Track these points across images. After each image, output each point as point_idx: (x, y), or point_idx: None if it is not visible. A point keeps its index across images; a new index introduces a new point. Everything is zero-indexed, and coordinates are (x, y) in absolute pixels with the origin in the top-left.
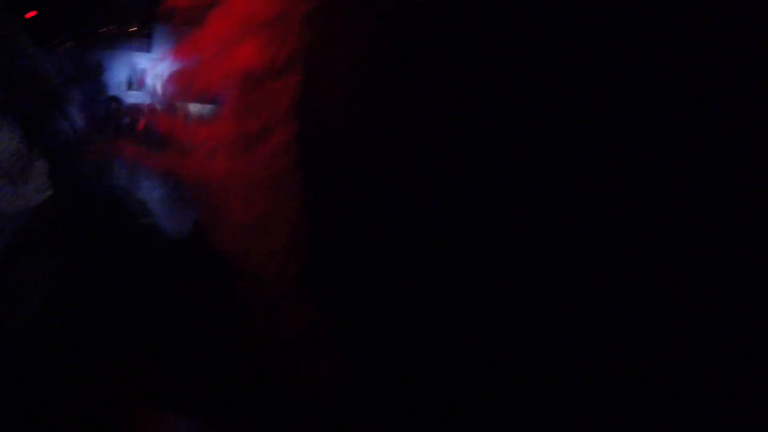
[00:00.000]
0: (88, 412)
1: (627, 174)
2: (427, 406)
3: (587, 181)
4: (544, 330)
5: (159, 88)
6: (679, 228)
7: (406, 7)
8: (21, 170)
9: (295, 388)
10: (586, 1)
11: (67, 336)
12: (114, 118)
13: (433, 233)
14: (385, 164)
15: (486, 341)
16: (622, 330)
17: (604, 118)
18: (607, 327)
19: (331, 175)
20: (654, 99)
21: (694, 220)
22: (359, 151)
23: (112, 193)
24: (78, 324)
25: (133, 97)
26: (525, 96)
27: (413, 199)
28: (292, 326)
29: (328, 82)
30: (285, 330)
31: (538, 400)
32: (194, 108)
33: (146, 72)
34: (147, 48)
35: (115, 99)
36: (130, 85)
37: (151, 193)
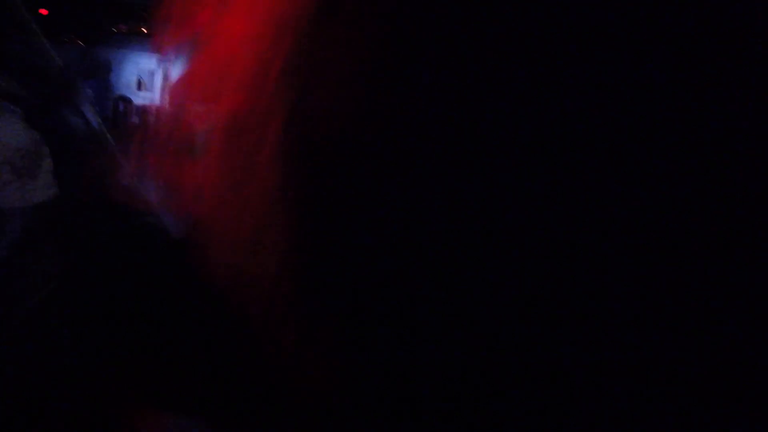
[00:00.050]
0: (88, 412)
1: (627, 174)
2: (426, 407)
3: (587, 182)
4: (544, 330)
5: (167, 90)
6: (679, 228)
7: (391, 60)
8: (28, 166)
9: (295, 388)
10: (586, 1)
11: (67, 336)
12: (122, 118)
13: (425, 251)
14: (375, 190)
15: (486, 342)
16: (623, 330)
17: (604, 118)
18: (607, 327)
19: (314, 216)
20: (654, 99)
21: (694, 220)
22: (348, 182)
23: (116, 193)
24: (78, 324)
25: (141, 98)
26: (525, 96)
27: (402, 222)
28: (288, 337)
29: (309, 131)
30: (282, 337)
31: (538, 400)
32: (198, 109)
33: (156, 73)
34: (158, 49)
35: (124, 99)
36: (139, 86)
37: (153, 193)
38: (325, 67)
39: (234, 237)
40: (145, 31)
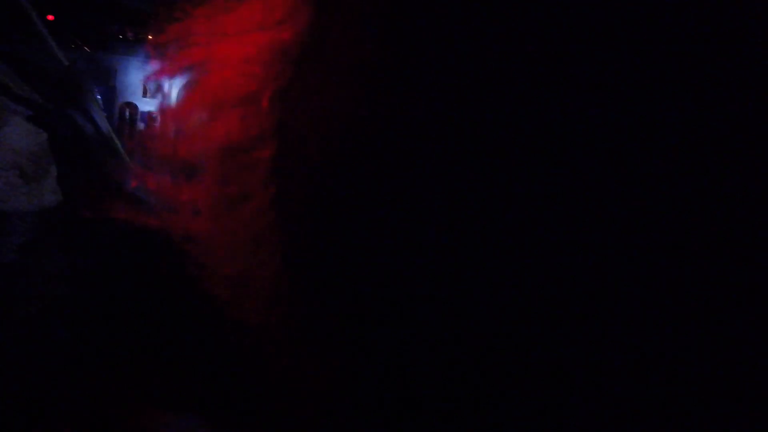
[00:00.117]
0: (89, 411)
1: (627, 174)
2: (425, 406)
3: (587, 182)
4: (543, 330)
5: (169, 109)
6: (679, 228)
7: (380, 76)
8: (36, 170)
9: (295, 388)
10: (586, 1)
11: (69, 336)
12: (128, 124)
13: (424, 252)
14: (368, 198)
15: (485, 341)
16: (622, 330)
17: (604, 118)
18: (607, 327)
19: (306, 234)
20: (654, 99)
21: (694, 220)
22: (331, 213)
23: (121, 197)
24: (81, 324)
25: (147, 104)
26: (525, 96)
27: (400, 225)
28: (288, 337)
29: (299, 154)
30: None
31: (538, 400)
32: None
33: (162, 80)
34: (163, 55)
35: (130, 105)
36: (145, 92)
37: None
38: (316, 89)
39: (230, 247)
40: (151, 38)
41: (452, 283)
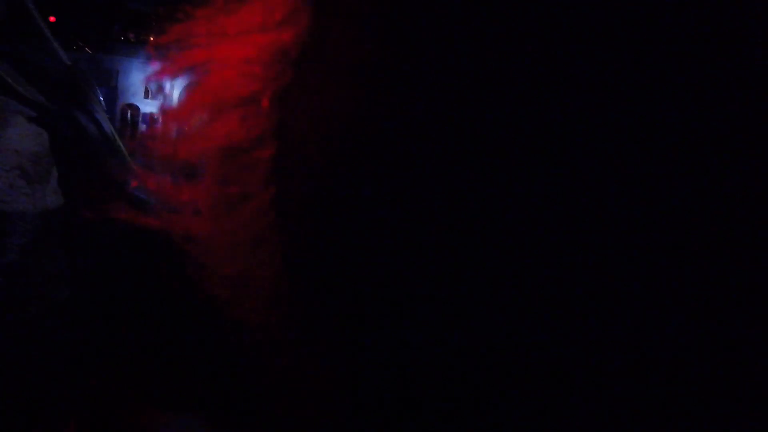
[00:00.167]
0: (89, 411)
1: (627, 174)
2: (425, 406)
3: (587, 182)
4: (544, 330)
5: (174, 98)
6: (679, 228)
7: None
8: (39, 172)
9: (295, 388)
10: (586, 2)
11: (69, 336)
12: (130, 125)
13: (423, 252)
14: (360, 221)
15: (484, 341)
16: (622, 330)
17: (604, 119)
18: (607, 327)
19: (306, 234)
20: (654, 99)
21: (694, 220)
22: (331, 213)
23: (123, 198)
24: (80, 325)
25: (149, 106)
26: (525, 96)
27: (399, 225)
28: (287, 337)
29: (300, 154)
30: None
31: (538, 400)
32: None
33: (163, 81)
34: (164, 57)
35: (131, 106)
36: (146, 94)
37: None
38: (316, 90)
39: (231, 247)
40: (152, 39)
41: (452, 283)
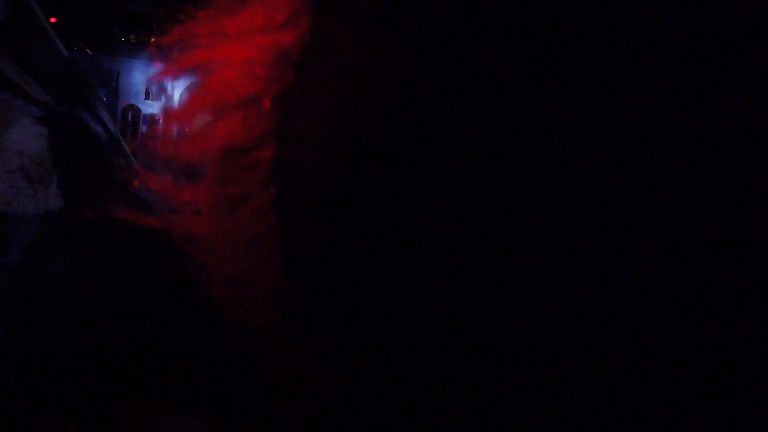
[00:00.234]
0: (89, 411)
1: (627, 174)
2: (424, 406)
3: (587, 182)
4: (543, 330)
5: (175, 99)
6: (679, 228)
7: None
8: (42, 174)
9: (295, 388)
10: (586, 2)
11: (70, 337)
12: (130, 126)
13: (423, 253)
14: (359, 221)
15: (484, 343)
16: (622, 330)
17: (604, 119)
18: (607, 327)
19: (306, 234)
20: (654, 100)
21: (694, 220)
22: (331, 214)
23: (125, 199)
24: (81, 325)
25: (150, 107)
26: (524, 96)
27: (399, 225)
28: (287, 338)
29: (300, 155)
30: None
31: (537, 400)
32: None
33: (163, 82)
34: (165, 58)
35: (132, 107)
36: (147, 95)
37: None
38: (316, 91)
39: (231, 247)
40: (153, 41)
41: (452, 283)
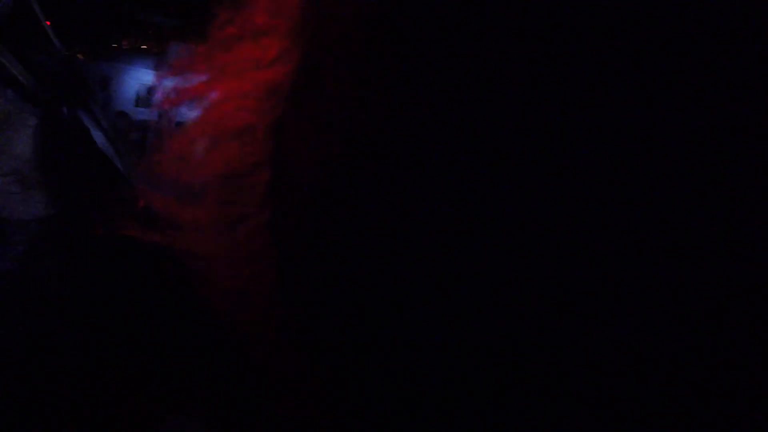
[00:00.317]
0: (89, 411)
1: (627, 174)
2: (424, 408)
3: (587, 182)
4: (543, 330)
5: (166, 107)
6: (679, 228)
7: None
8: (36, 178)
9: (295, 388)
10: (586, 2)
11: (69, 340)
12: (122, 134)
13: (422, 258)
14: (355, 228)
15: (483, 343)
16: (622, 330)
17: (604, 119)
18: (607, 327)
19: (303, 241)
20: (654, 100)
21: (694, 220)
22: (329, 215)
23: (121, 203)
24: (80, 331)
25: (141, 114)
26: (524, 97)
27: (397, 234)
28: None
29: (294, 177)
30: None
31: (537, 400)
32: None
33: (155, 89)
34: (158, 66)
35: (124, 114)
36: (137, 102)
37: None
38: (308, 120)
39: (229, 262)
40: (146, 47)
41: (451, 284)
